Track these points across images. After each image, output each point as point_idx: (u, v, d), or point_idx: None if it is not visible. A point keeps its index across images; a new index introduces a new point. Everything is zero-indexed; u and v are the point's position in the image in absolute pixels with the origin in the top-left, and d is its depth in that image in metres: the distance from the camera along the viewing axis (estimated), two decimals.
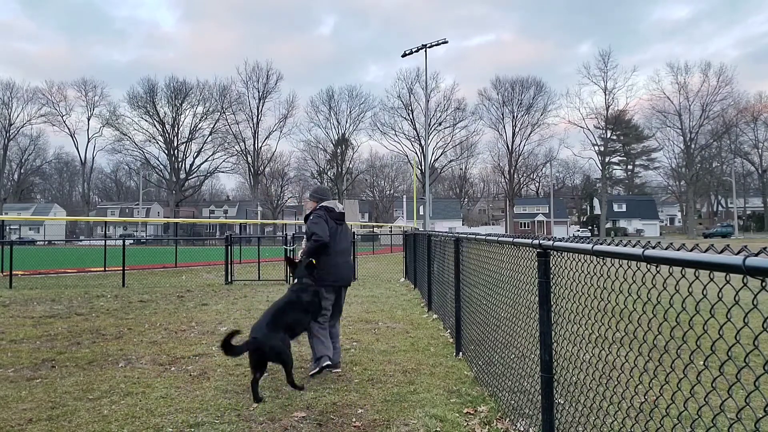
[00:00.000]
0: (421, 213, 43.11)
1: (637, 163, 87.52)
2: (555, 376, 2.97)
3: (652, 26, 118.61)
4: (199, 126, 75.60)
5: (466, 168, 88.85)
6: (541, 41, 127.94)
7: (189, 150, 76.48)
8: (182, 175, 76.10)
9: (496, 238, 4.16)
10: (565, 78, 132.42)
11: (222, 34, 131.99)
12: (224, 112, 74.78)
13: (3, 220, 27.00)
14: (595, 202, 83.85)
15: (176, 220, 41.82)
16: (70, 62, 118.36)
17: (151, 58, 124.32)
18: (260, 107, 76.05)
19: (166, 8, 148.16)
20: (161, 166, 77.07)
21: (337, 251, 5.37)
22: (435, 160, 76.55)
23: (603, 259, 2.29)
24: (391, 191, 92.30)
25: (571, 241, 2.65)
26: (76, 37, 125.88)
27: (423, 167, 46.83)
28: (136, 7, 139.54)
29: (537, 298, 3.03)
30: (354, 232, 19.37)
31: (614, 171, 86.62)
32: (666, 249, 1.74)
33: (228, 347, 4.21)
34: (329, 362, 5.03)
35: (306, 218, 5.52)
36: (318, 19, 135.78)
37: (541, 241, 2.99)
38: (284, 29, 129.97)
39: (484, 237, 4.63)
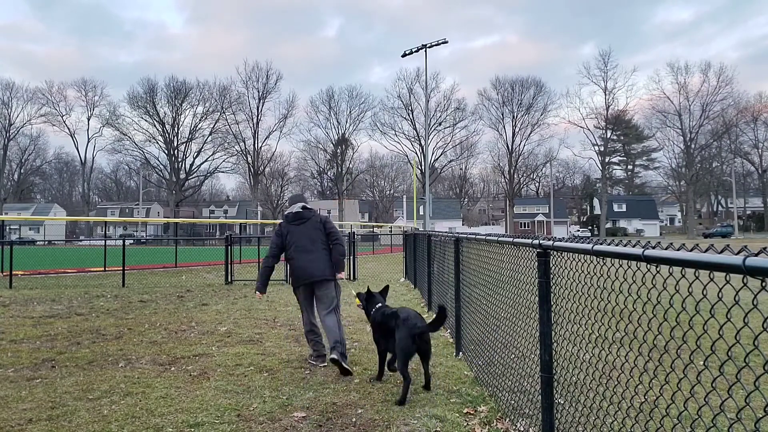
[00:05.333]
0: (421, 213, 43.06)
1: (637, 163, 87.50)
2: (555, 376, 2.97)
3: (655, 28, 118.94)
4: (199, 126, 75.48)
5: (466, 168, 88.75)
6: (545, 43, 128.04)
7: (189, 150, 76.36)
8: (182, 175, 75.98)
9: (496, 238, 4.15)
10: (569, 79, 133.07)
11: (228, 35, 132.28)
12: (224, 112, 74.60)
13: (3, 220, 27.00)
14: (595, 202, 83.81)
15: (176, 220, 41.76)
16: (76, 64, 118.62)
17: (158, 59, 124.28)
18: (260, 107, 75.86)
19: (175, 10, 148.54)
20: (161, 166, 77.00)
21: (299, 251, 5.45)
22: (435, 160, 76.42)
23: (603, 259, 2.29)
24: (391, 191, 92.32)
25: (571, 241, 2.65)
26: (84, 38, 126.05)
27: (423, 167, 46.83)
28: (145, 9, 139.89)
29: (537, 298, 3.03)
30: (354, 232, 19.37)
31: (614, 171, 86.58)
32: (666, 249, 1.74)
33: None
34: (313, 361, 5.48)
35: None
36: (323, 21, 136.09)
37: (541, 241, 2.99)
38: (289, 31, 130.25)
39: (484, 237, 4.63)
